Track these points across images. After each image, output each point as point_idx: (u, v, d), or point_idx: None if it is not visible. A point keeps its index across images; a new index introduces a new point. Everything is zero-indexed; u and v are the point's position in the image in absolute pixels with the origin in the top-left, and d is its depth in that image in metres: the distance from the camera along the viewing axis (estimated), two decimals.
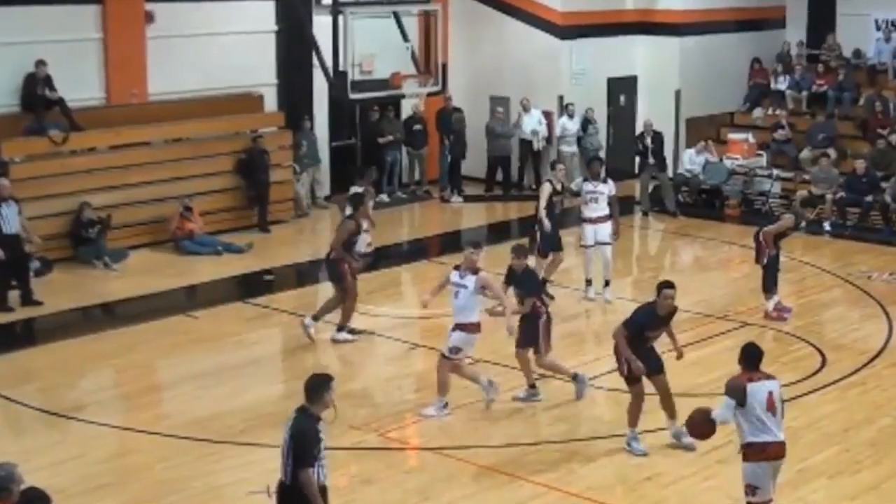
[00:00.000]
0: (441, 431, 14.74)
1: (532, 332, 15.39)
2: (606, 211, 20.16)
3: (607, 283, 20.32)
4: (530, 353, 15.62)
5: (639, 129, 28.49)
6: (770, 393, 11.33)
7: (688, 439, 13.80)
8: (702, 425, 11.89)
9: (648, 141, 27.18)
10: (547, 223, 19.77)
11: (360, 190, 20.38)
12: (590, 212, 20.19)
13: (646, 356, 13.96)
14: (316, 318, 18.49)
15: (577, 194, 20.10)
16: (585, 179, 20.52)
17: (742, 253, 22.83)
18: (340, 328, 18.43)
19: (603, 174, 20.28)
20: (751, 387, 11.28)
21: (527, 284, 15.50)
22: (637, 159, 28.07)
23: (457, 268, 15.41)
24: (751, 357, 11.65)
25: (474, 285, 15.04)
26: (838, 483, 13.47)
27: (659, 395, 14.24)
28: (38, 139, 22.77)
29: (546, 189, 19.85)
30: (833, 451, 14.29)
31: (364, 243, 20.19)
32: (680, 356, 14.33)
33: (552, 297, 19.42)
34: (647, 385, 14.17)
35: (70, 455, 14.16)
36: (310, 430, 10.23)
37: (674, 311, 14.13)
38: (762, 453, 11.29)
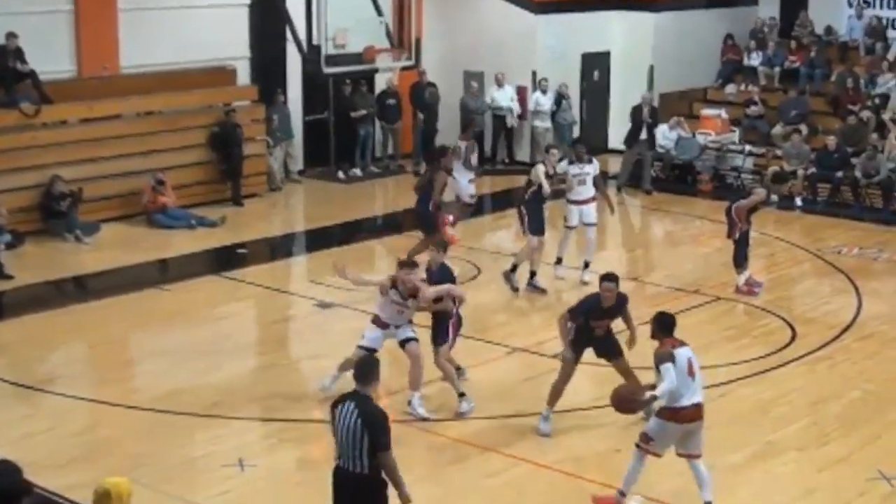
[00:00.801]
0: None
1: (442, 329, 14.77)
2: (592, 192, 19.76)
3: (587, 265, 19.78)
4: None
5: (632, 102, 28.18)
6: (689, 359, 11.70)
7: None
8: (626, 402, 12.34)
9: (646, 113, 26.90)
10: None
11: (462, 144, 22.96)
12: (576, 194, 19.71)
13: (602, 342, 14.01)
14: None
15: (562, 180, 19.79)
16: (571, 162, 19.99)
17: (714, 228, 22.94)
18: None
19: (587, 156, 19.87)
20: (676, 352, 11.65)
21: (438, 278, 14.86)
22: (627, 132, 27.65)
23: (393, 285, 14.35)
24: (666, 325, 12.00)
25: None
26: (807, 455, 13.55)
27: (623, 378, 14.03)
28: (9, 112, 22.64)
29: (540, 171, 19.09)
30: (802, 424, 14.38)
31: (467, 193, 22.64)
32: (630, 344, 14.07)
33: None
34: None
35: (41, 428, 14.13)
36: (382, 412, 9.75)
37: (622, 303, 14.01)
38: (675, 415, 11.65)
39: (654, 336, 12.06)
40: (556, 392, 14.10)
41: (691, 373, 11.65)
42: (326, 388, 14.57)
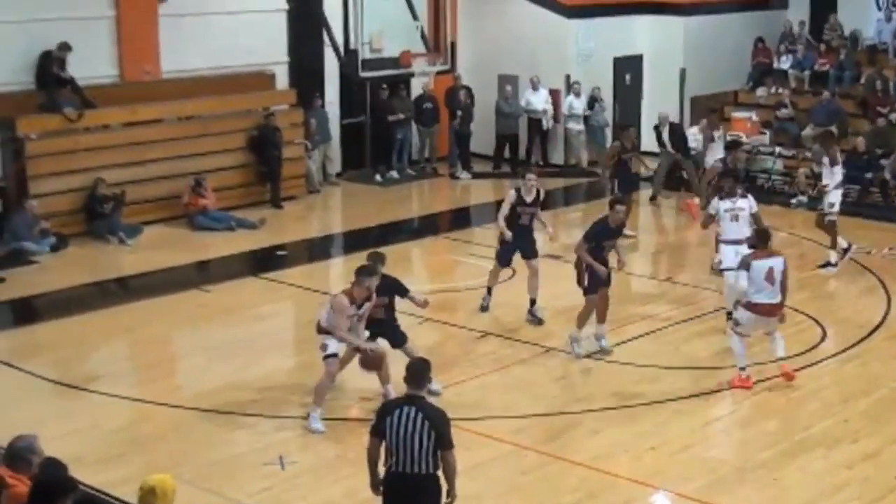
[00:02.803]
0: (448, 403, 14.72)
1: (396, 330, 15.19)
2: (748, 231, 17.31)
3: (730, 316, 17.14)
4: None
5: (664, 105, 28.45)
6: (770, 268, 14.85)
7: (605, 342, 16.77)
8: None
9: (665, 133, 26.63)
10: (508, 234, 18.08)
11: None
12: (729, 232, 17.64)
13: (604, 265, 16.35)
14: None
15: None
16: (720, 197, 17.99)
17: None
18: None
19: (741, 189, 18.06)
20: (754, 263, 14.89)
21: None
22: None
23: (352, 302, 14.11)
24: (760, 237, 15.46)
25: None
26: (836, 452, 13.66)
27: (599, 304, 16.53)
28: (53, 116, 22.94)
29: (510, 197, 18.16)
30: (832, 422, 14.49)
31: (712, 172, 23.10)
32: (622, 266, 17.31)
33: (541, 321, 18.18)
34: None
35: (85, 425, 14.33)
36: (443, 411, 9.99)
37: (623, 223, 16.91)
38: (754, 308, 14.94)
39: (750, 246, 15.70)
40: (585, 317, 16.53)
41: (770, 279, 14.82)
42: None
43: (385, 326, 14.96)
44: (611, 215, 16.37)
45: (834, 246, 21.01)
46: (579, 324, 16.50)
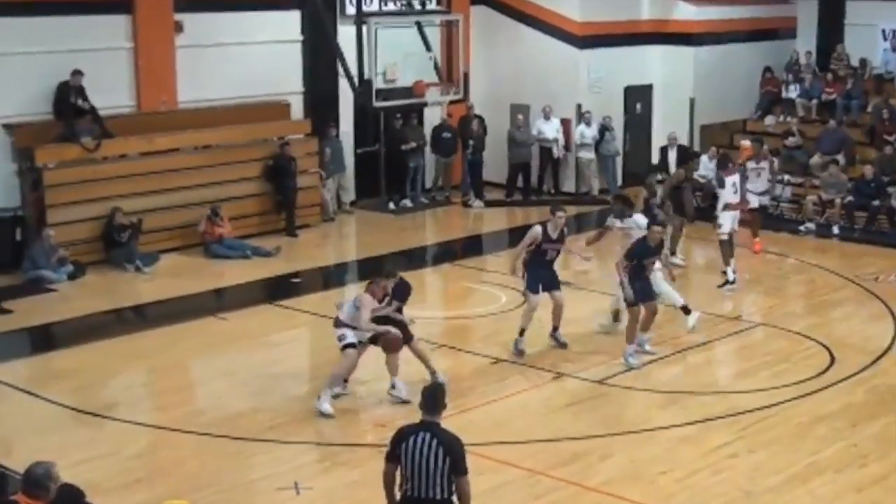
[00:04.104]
0: (461, 428, 14.71)
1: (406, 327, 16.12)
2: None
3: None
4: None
5: (660, 140, 28.86)
6: None
7: (648, 346, 17.71)
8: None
9: (673, 154, 27.33)
10: (519, 270, 18.03)
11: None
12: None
13: (643, 286, 17.33)
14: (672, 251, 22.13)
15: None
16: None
17: (750, 255, 23.28)
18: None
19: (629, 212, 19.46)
20: None
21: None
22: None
23: (374, 297, 15.56)
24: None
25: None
26: (846, 476, 13.74)
27: (645, 315, 17.43)
28: (71, 146, 23.17)
29: (535, 233, 17.73)
30: (841, 446, 14.58)
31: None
32: (673, 278, 18.61)
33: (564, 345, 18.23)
34: None
35: (103, 452, 14.40)
36: (458, 438, 9.95)
37: (662, 242, 17.85)
38: None
39: None
40: (632, 331, 17.37)
41: None
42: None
43: (398, 323, 15.91)
44: (650, 235, 17.50)
45: (727, 263, 21.63)
46: (628, 338, 17.43)
